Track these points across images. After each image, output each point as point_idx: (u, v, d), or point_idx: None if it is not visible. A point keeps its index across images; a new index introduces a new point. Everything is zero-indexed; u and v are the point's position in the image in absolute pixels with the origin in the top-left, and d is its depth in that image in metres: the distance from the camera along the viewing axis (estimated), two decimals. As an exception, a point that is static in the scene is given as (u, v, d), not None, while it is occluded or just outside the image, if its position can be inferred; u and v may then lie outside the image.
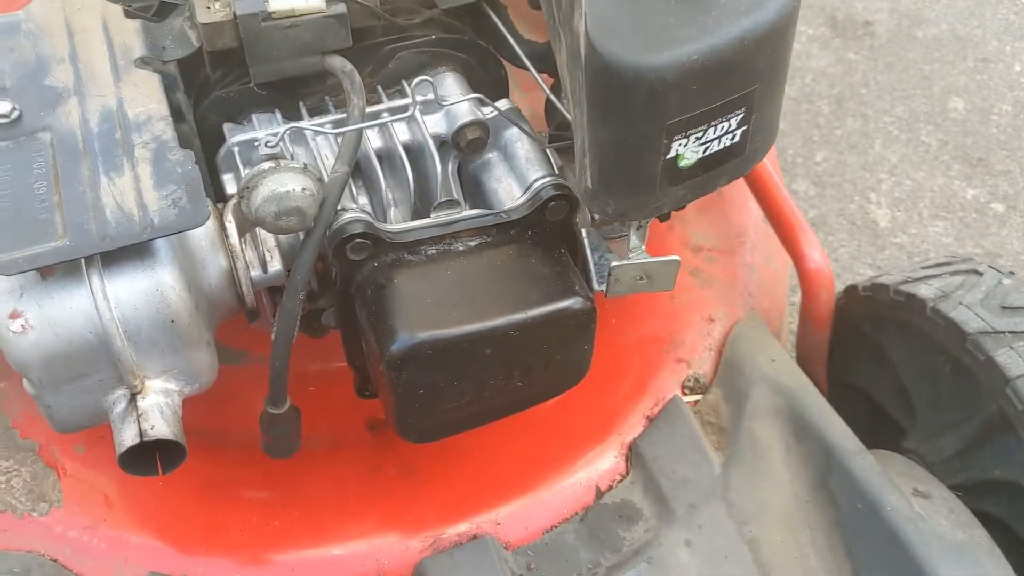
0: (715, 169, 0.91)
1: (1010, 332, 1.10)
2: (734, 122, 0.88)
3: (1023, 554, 1.16)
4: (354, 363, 1.05)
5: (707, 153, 0.88)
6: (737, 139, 0.89)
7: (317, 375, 1.26)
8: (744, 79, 0.85)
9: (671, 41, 0.80)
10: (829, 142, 2.18)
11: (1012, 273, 1.20)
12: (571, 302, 0.93)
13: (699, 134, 0.86)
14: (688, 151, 0.87)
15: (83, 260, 0.80)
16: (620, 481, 1.19)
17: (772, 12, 0.83)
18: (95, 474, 1.13)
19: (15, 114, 0.87)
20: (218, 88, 1.01)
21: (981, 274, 1.19)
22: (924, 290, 1.19)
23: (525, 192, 0.97)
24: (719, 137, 0.88)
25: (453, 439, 1.18)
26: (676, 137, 0.85)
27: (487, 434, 1.18)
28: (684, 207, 0.97)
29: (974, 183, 2.11)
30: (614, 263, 0.96)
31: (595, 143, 0.87)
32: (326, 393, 1.22)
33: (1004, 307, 1.13)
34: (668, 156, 0.86)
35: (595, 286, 1.00)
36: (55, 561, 1.07)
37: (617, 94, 0.81)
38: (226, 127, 0.99)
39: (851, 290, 1.33)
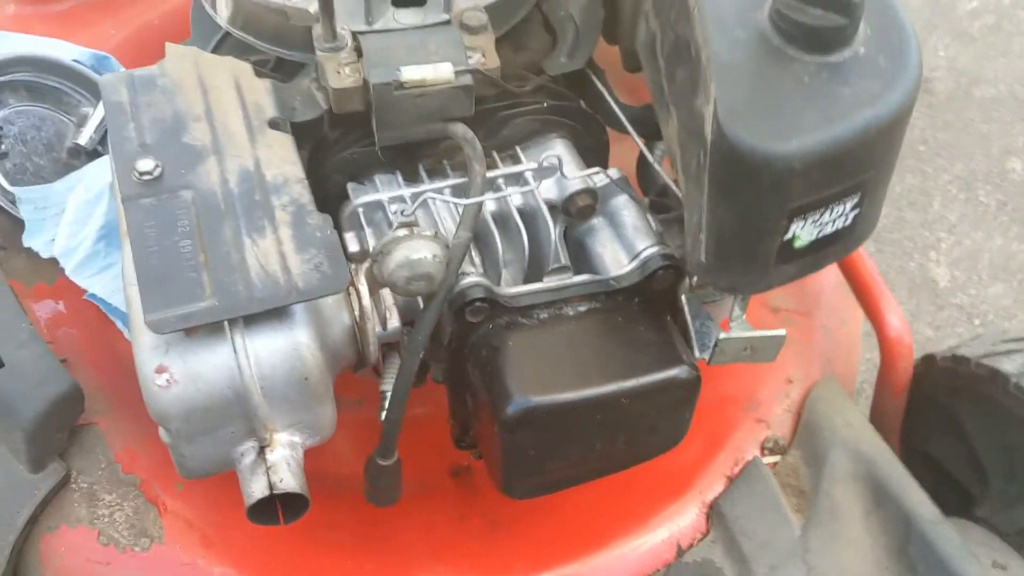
0: (825, 249, 0.93)
1: (1093, 413, 1.13)
2: (848, 206, 0.91)
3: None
4: (456, 416, 1.08)
5: (821, 235, 0.91)
6: (849, 222, 0.92)
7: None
8: (862, 166, 0.88)
9: (799, 130, 0.83)
10: (889, 199, 2.19)
11: (1094, 351, 1.22)
12: (678, 371, 0.96)
13: (816, 217, 0.89)
14: (804, 233, 0.90)
15: (227, 320, 0.84)
16: (701, 540, 1.21)
17: (894, 104, 0.86)
18: (194, 512, 1.16)
19: (158, 171, 0.91)
20: (338, 147, 1.05)
21: (1063, 350, 1.21)
22: (1007, 365, 1.21)
23: (634, 260, 1.00)
24: (833, 220, 0.91)
25: (538, 493, 1.21)
26: (796, 220, 0.88)
27: (571, 488, 1.21)
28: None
29: (1033, 245, 2.14)
30: (721, 336, 0.99)
31: (714, 220, 0.90)
32: (412, 438, 1.25)
33: None
34: (785, 237, 0.89)
35: (696, 353, 1.02)
36: (156, 596, 1.11)
37: (743, 178, 0.85)
38: (350, 187, 1.03)
39: (929, 359, 1.35)
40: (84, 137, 1.38)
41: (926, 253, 2.12)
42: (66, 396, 1.13)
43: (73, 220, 1.11)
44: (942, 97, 2.49)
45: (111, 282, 1.11)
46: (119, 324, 1.16)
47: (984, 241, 2.14)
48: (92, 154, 1.39)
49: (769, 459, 1.27)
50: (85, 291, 1.14)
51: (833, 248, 0.94)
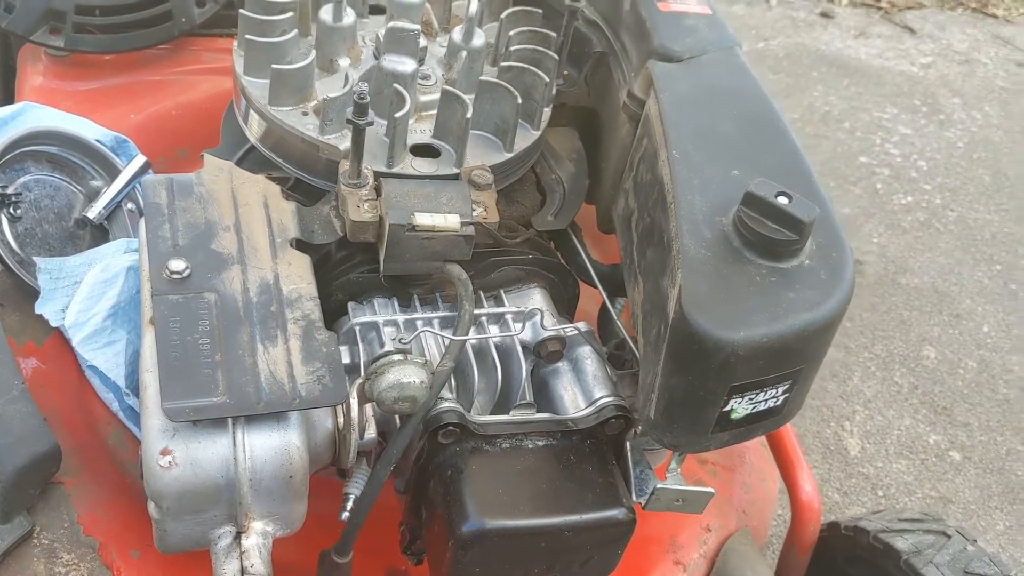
0: (758, 423, 1.08)
1: (969, 595, 1.27)
2: (780, 390, 1.05)
3: None
4: (408, 525, 1.18)
5: (754, 410, 1.06)
6: (779, 402, 1.07)
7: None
8: (797, 360, 1.03)
9: (748, 323, 0.98)
10: (813, 367, 2.39)
11: (975, 541, 1.38)
12: (617, 512, 1.08)
13: (752, 396, 1.04)
14: (740, 408, 1.04)
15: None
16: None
17: (828, 311, 1.02)
18: (146, 581, 1.22)
19: (187, 272, 1.02)
20: (342, 267, 1.17)
21: (950, 537, 1.37)
22: (900, 543, 1.36)
23: (590, 406, 1.13)
24: (766, 400, 1.05)
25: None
26: (735, 396, 1.02)
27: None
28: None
29: (937, 430, 2.33)
30: (659, 485, 1.11)
31: (665, 386, 1.03)
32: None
33: (967, 572, 1.30)
34: (724, 409, 1.03)
35: (634, 497, 1.15)
36: (102, 660, 1.16)
37: (696, 355, 0.99)
38: (350, 306, 1.15)
39: (834, 526, 1.49)
40: (94, 211, 1.47)
41: (841, 423, 2.29)
42: (47, 455, 1.20)
43: (87, 296, 1.20)
44: (871, 280, 2.72)
45: (112, 357, 1.20)
46: (110, 396, 1.24)
47: (895, 419, 2.33)
48: (97, 228, 1.48)
49: (682, 601, 1.39)
50: (84, 360, 1.23)
51: (764, 422, 1.08)
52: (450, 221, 1.09)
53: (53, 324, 1.21)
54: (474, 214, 1.13)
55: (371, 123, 1.05)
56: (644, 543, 1.44)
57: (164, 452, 0.92)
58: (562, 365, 1.19)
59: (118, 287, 1.20)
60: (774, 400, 1.06)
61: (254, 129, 1.25)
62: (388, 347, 1.06)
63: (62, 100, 1.66)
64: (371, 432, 1.08)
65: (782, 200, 0.99)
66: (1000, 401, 2.45)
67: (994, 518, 2.20)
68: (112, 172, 1.51)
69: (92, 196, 1.51)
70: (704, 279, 1.00)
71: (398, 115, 1.13)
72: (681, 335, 0.99)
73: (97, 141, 1.50)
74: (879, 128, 3.26)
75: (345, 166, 1.13)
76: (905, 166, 3.12)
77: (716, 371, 0.99)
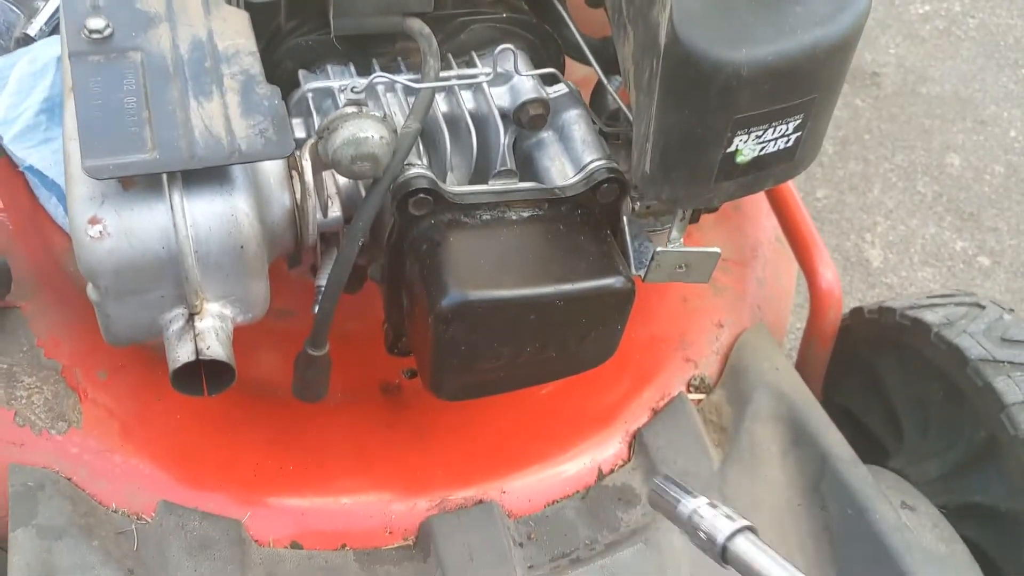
0: (766, 169, 0.96)
1: (1008, 362, 1.17)
2: (792, 126, 0.93)
3: (998, 578, 1.23)
4: (391, 319, 1.08)
5: (763, 152, 0.93)
6: (791, 143, 0.95)
7: (334, 335, 1.29)
8: (809, 86, 0.90)
9: (749, 40, 0.85)
10: (831, 181, 2.26)
11: (1012, 310, 1.27)
12: (614, 280, 0.97)
13: (760, 132, 0.91)
14: (747, 148, 0.92)
15: (165, 176, 0.83)
16: (622, 466, 1.23)
17: (843, 26, 0.88)
18: (115, 401, 1.14)
19: (108, 31, 0.90)
20: (293, 36, 1.04)
21: (984, 308, 1.26)
22: (930, 316, 1.25)
23: (579, 172, 1.02)
24: (776, 139, 0.93)
25: (467, 409, 1.22)
26: (739, 132, 0.90)
27: (500, 407, 1.22)
28: (731, 200, 1.01)
29: (964, 236, 2.20)
30: (659, 249, 1.00)
31: (661, 129, 0.91)
32: (342, 353, 1.24)
33: (1004, 339, 1.20)
34: (728, 150, 0.91)
35: (633, 269, 1.04)
36: (69, 480, 1.08)
37: (692, 82, 0.86)
38: (301, 74, 1.02)
39: (857, 312, 1.39)
40: (34, 28, 1.35)
41: (862, 235, 2.17)
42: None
43: (15, 91, 1.08)
44: (889, 91, 2.56)
45: (49, 156, 1.09)
46: (52, 203, 1.14)
47: (919, 228, 2.21)
48: (40, 45, 1.36)
49: (694, 396, 1.30)
50: (20, 164, 1.11)
51: (773, 169, 0.96)
52: (404, -40, 0.95)
53: (-20, 126, 1.10)
54: (433, -43, 0.99)
55: None
56: (652, 342, 1.34)
57: (93, 220, 0.82)
58: (547, 136, 1.07)
59: (49, 79, 1.08)
60: (784, 140, 0.94)
61: None
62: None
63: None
64: (335, 210, 0.97)
65: None
66: (1029, 206, 2.32)
67: (1027, 322, 2.10)
68: (51, -13, 1.38)
69: (33, 14, 1.38)
70: (698, -5, 0.87)
71: None
72: (675, 60, 0.86)
73: (28, -48, 1.36)
74: (893, -63, 3.04)
75: (282, -89, 0.99)
76: (922, -26, 2.91)
77: (716, 99, 0.87)
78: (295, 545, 1.11)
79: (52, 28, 1.37)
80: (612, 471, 1.23)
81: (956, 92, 2.57)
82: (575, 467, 1.22)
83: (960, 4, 2.88)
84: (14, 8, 1.38)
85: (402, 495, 1.15)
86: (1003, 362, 1.17)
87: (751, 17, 0.86)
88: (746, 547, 0.80)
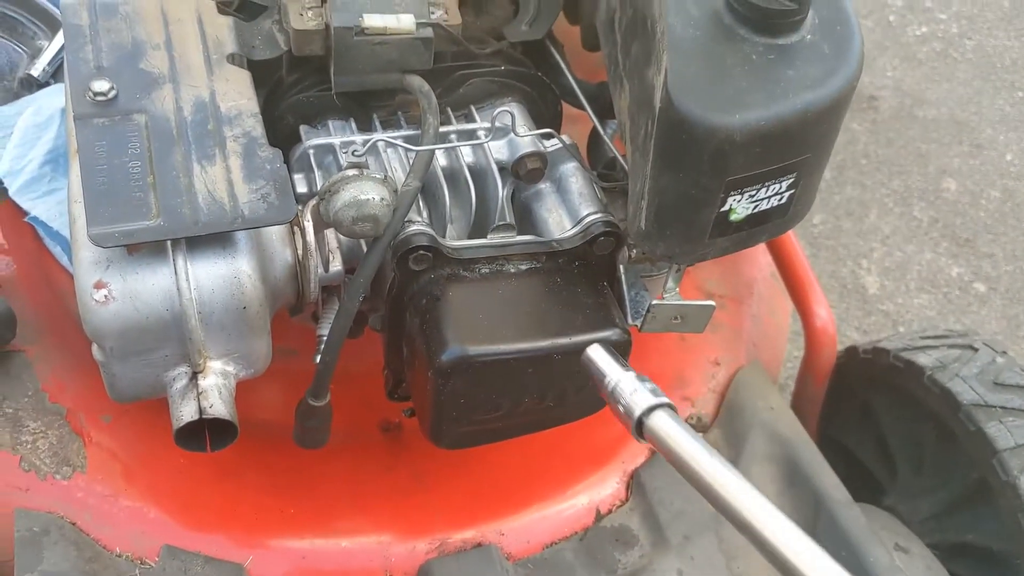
0: (760, 226, 0.97)
1: (1001, 407, 1.19)
2: (784, 185, 0.94)
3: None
4: (391, 366, 1.10)
5: (756, 210, 0.95)
6: (784, 201, 0.96)
7: (335, 375, 1.31)
8: (800, 147, 0.92)
9: (742, 105, 0.87)
10: (828, 207, 2.28)
11: (1005, 352, 1.28)
12: (610, 333, 0.99)
13: (753, 192, 0.93)
14: (740, 207, 0.93)
15: (170, 241, 0.84)
16: (620, 507, 1.25)
17: (833, 89, 0.90)
18: (119, 445, 1.16)
19: (112, 93, 0.91)
20: (294, 90, 1.06)
21: (977, 350, 1.27)
22: (923, 359, 1.27)
23: (576, 224, 1.03)
24: (769, 197, 0.95)
25: (466, 450, 1.23)
26: (732, 193, 0.91)
27: (498, 450, 1.23)
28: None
29: (960, 262, 2.22)
30: (654, 302, 1.02)
31: (655, 189, 0.93)
32: (345, 392, 1.26)
33: (996, 383, 1.21)
34: (722, 209, 0.93)
35: (630, 320, 1.06)
36: (74, 524, 1.10)
37: (686, 146, 0.88)
38: (303, 129, 1.04)
39: (852, 351, 1.40)
40: (37, 69, 1.36)
41: (858, 261, 2.19)
42: (-1, 318, 1.12)
43: (20, 142, 1.10)
44: (886, 115, 2.57)
45: (54, 206, 1.10)
46: (57, 250, 1.15)
47: (915, 254, 2.22)
48: (44, 86, 1.37)
49: (692, 435, 1.31)
50: (26, 213, 1.13)
51: (767, 226, 0.98)
52: (403, 22, 0.97)
53: (-13, 176, 1.11)
54: (432, 16, 1.01)
55: None
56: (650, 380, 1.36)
57: (98, 285, 0.83)
58: (545, 187, 1.08)
59: (53, 130, 1.10)
60: (778, 198, 0.95)
61: (187, -52, 1.12)
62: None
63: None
64: (336, 264, 0.99)
65: (777, -34, 0.86)
66: (1026, 231, 2.34)
67: (1023, 347, 2.11)
68: (54, 26, 1.39)
69: (37, 54, 1.40)
70: (693, 60, 0.88)
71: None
72: (669, 124, 0.88)
73: (37, -6, 1.38)
74: (890, -42, 3.06)
75: (284, -29, 1.00)
76: (919, -5, 2.93)
77: (710, 163, 0.88)
78: (296, 588, 1.13)
79: (55, 68, 1.39)
80: (610, 511, 1.24)
81: (953, 115, 2.59)
82: (573, 508, 1.23)
83: (957, 25, 2.90)
84: (18, 47, 1.40)
85: (401, 537, 1.16)
86: (995, 407, 1.19)
87: (744, 82, 0.88)
88: (663, 423, 0.78)
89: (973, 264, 2.23)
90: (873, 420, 1.40)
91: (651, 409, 0.81)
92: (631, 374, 0.85)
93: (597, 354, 0.88)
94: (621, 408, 0.82)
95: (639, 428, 0.81)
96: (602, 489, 1.25)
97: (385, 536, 1.17)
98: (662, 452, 0.79)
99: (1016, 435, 1.18)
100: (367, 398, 1.24)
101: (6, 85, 1.38)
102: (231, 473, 1.18)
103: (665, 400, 0.81)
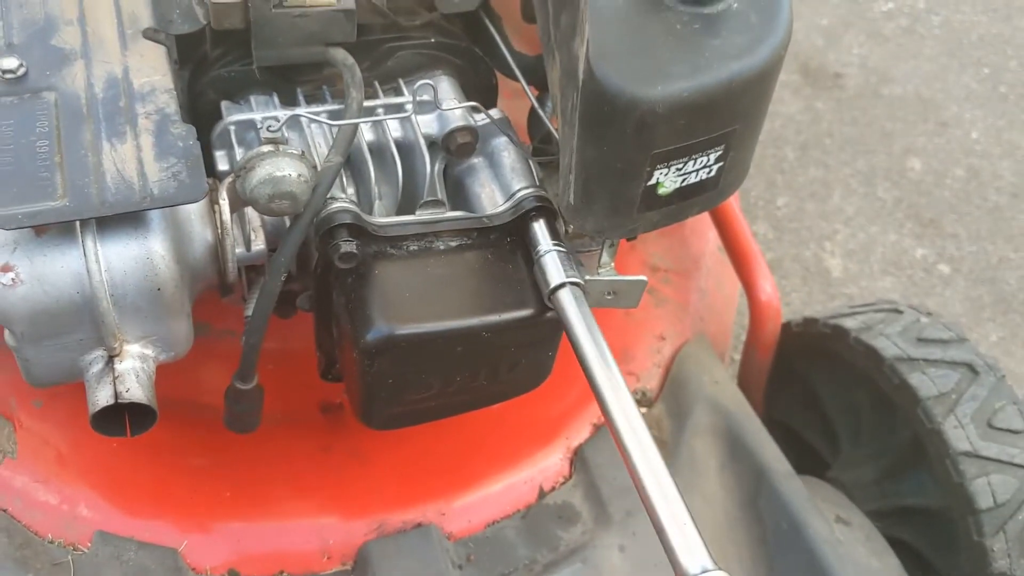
0: (689, 199, 0.96)
1: (923, 359, 1.20)
2: (712, 157, 0.93)
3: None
4: (322, 347, 1.08)
5: (684, 184, 0.93)
6: (713, 174, 0.95)
7: (275, 355, 1.29)
8: (727, 119, 0.90)
9: (665, 76, 0.85)
10: (791, 188, 2.27)
11: (930, 314, 1.29)
12: (541, 309, 0.97)
13: (680, 165, 0.91)
14: (668, 180, 0.92)
15: (78, 222, 0.82)
16: (563, 483, 1.24)
17: (760, 59, 0.88)
18: (50, 430, 1.14)
19: (21, 71, 0.89)
20: (217, 66, 1.04)
21: (901, 312, 1.29)
22: (849, 322, 1.28)
23: (508, 200, 1.01)
24: (697, 170, 0.93)
25: (406, 428, 1.22)
26: (659, 166, 0.90)
27: (438, 428, 1.22)
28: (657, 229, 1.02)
29: (924, 243, 2.22)
30: (587, 277, 1.01)
31: (582, 162, 0.91)
32: (282, 373, 1.24)
33: (920, 339, 1.23)
34: (649, 183, 0.91)
35: (563, 297, 1.04)
36: (5, 511, 1.08)
37: (609, 118, 0.86)
38: (224, 105, 1.02)
39: (785, 327, 1.40)
40: None
41: (822, 243, 2.18)
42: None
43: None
44: (851, 93, 2.56)
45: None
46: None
47: (879, 235, 2.22)
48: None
49: (637, 411, 1.30)
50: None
51: (697, 199, 0.96)
52: (324, -7, 0.95)
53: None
54: (356, -13, 0.98)
55: None
56: (595, 358, 1.35)
57: (5, 268, 0.81)
58: (477, 162, 1.06)
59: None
60: (707, 171, 0.94)
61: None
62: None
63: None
64: (259, 244, 0.97)
65: (698, -74, 0.84)
66: (990, 209, 2.33)
67: (986, 329, 2.11)
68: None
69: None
70: (614, 30, 0.86)
71: None
72: (591, 95, 0.86)
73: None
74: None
75: (202, -57, 0.98)
76: (886, -29, 2.91)
77: (633, 135, 0.86)
78: (232, 572, 1.12)
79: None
80: (553, 488, 1.24)
81: (918, 93, 2.58)
82: (516, 485, 1.23)
83: (924, 1, 2.88)
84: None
85: (340, 519, 1.15)
86: (918, 359, 1.20)
87: (667, 53, 0.86)
88: (567, 299, 0.92)
89: (937, 245, 2.22)
90: (813, 396, 1.41)
91: (560, 286, 0.93)
92: (558, 249, 0.96)
93: (538, 225, 0.98)
94: (539, 276, 0.96)
95: (549, 298, 0.94)
96: (545, 466, 1.24)
97: (323, 518, 1.16)
98: (564, 326, 0.93)
99: (939, 384, 1.21)
100: (307, 378, 1.22)
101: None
102: (165, 455, 1.17)
103: (577, 279, 0.94)
